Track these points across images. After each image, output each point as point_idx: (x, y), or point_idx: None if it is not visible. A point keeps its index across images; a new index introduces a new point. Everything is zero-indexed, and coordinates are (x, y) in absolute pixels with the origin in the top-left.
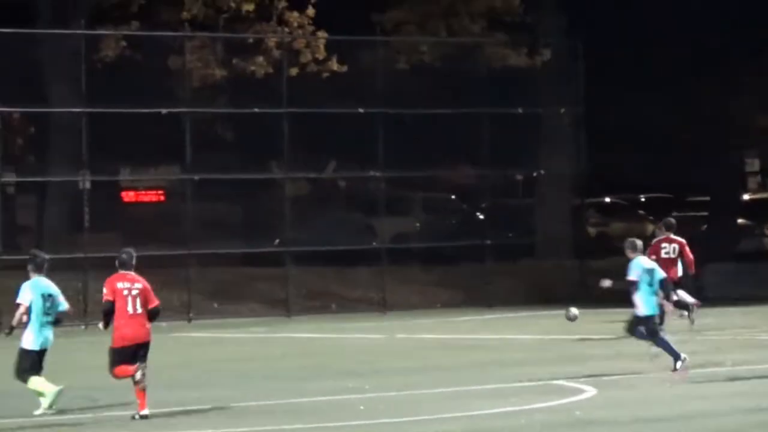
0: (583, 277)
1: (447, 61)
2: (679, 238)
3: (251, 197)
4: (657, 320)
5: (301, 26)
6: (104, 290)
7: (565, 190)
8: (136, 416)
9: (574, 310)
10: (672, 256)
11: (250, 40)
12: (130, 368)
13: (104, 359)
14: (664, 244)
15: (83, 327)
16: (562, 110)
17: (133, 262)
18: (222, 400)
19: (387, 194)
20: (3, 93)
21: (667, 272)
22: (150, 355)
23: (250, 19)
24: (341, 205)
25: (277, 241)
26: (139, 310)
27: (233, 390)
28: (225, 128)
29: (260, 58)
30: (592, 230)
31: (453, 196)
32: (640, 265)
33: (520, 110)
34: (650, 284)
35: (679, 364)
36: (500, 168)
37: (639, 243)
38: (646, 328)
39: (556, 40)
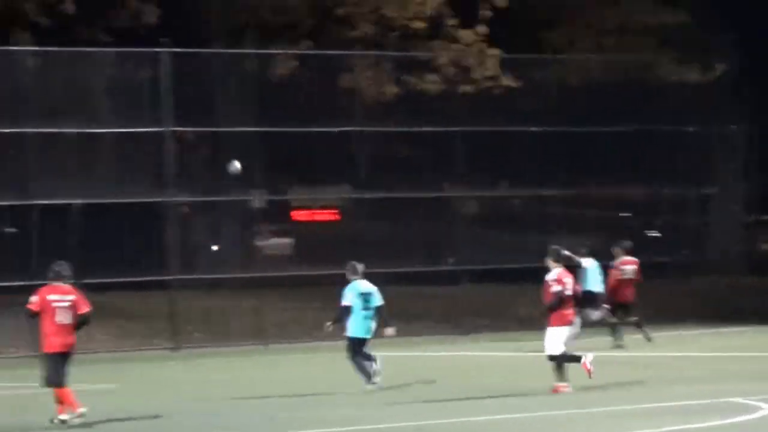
0: (760, 294)
1: (618, 78)
2: (634, 259)
3: (424, 216)
4: (361, 343)
5: (472, 44)
6: (32, 299)
7: (738, 207)
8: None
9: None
10: (630, 277)
11: (422, 58)
12: (75, 404)
13: (287, 378)
14: (623, 267)
15: (262, 347)
16: (734, 127)
17: (66, 273)
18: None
19: (560, 213)
20: (177, 113)
21: (623, 293)
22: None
23: (421, 37)
24: (515, 224)
25: (452, 260)
26: (68, 321)
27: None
28: (397, 147)
29: (432, 76)
30: (764, 247)
31: (627, 214)
32: (356, 289)
33: (690, 129)
34: (365, 308)
35: (369, 386)
36: (673, 185)
37: (360, 266)
38: (352, 349)
39: (728, 57)
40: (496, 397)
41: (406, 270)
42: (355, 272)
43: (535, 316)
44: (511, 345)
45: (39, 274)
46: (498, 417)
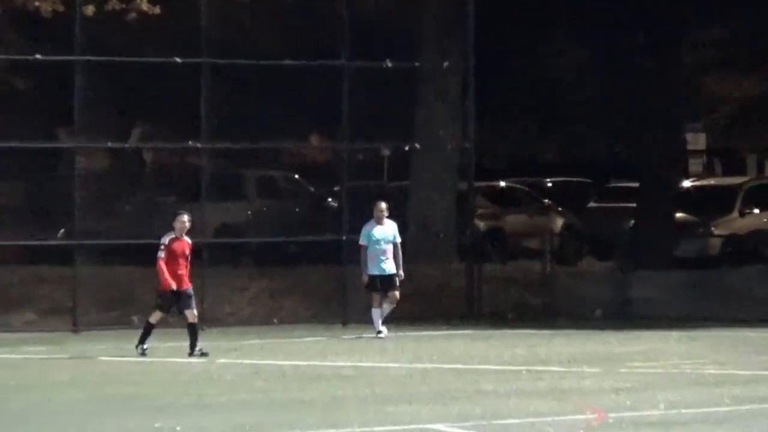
0: (470, 287)
1: None
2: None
3: (34, 173)
4: None
5: None
6: None
7: (449, 170)
8: None
9: None
10: None
11: None
12: None
13: None
14: None
15: None
16: (446, 64)
17: None
18: None
19: (211, 172)
20: None
21: None
22: None
23: None
24: (150, 186)
25: (62, 231)
26: None
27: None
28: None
29: None
30: (482, 224)
31: (296, 176)
32: None
33: (388, 63)
34: None
35: None
36: (363, 139)
37: None
38: None
39: None
40: None
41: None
42: None
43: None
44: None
45: None
46: None
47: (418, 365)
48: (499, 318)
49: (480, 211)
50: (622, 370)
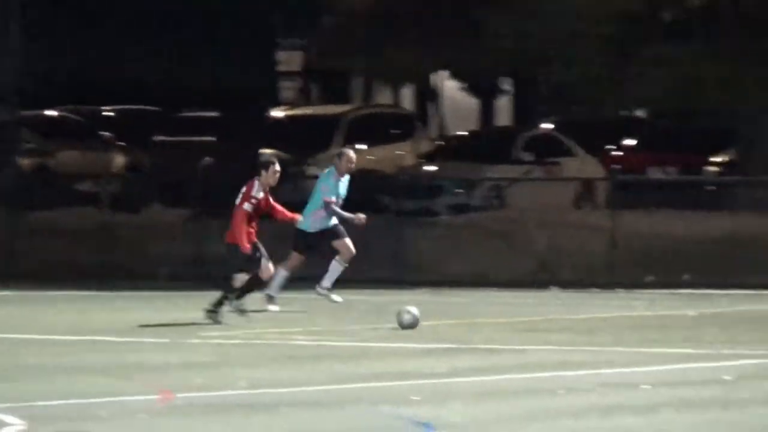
0: (11, 240)
1: None
2: None
3: None
4: None
5: None
6: None
7: None
8: None
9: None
10: None
11: None
12: None
13: None
14: None
15: None
16: None
17: None
18: None
19: None
20: None
21: None
22: None
23: None
24: None
25: None
26: None
27: None
28: None
29: None
30: (27, 162)
31: None
32: None
33: None
34: None
35: None
36: None
37: None
38: None
39: None
40: None
41: None
42: None
43: None
44: None
45: None
46: None
47: None
48: (45, 277)
49: (25, 146)
50: (194, 341)
